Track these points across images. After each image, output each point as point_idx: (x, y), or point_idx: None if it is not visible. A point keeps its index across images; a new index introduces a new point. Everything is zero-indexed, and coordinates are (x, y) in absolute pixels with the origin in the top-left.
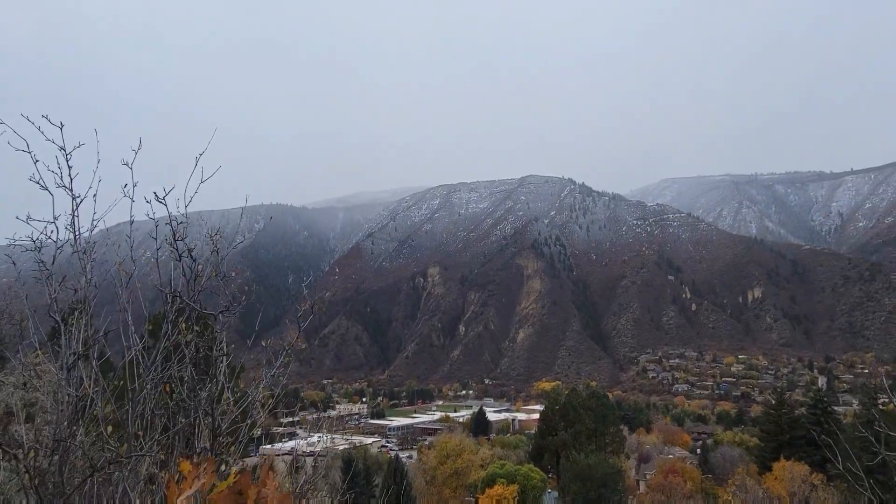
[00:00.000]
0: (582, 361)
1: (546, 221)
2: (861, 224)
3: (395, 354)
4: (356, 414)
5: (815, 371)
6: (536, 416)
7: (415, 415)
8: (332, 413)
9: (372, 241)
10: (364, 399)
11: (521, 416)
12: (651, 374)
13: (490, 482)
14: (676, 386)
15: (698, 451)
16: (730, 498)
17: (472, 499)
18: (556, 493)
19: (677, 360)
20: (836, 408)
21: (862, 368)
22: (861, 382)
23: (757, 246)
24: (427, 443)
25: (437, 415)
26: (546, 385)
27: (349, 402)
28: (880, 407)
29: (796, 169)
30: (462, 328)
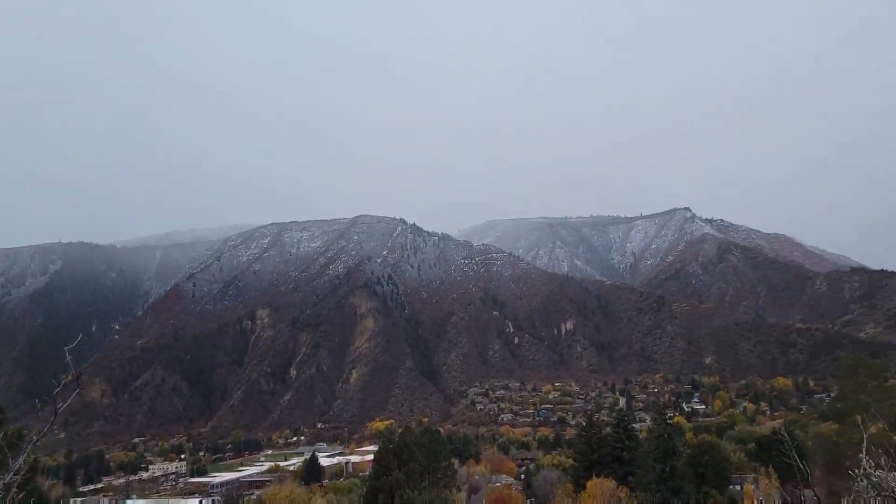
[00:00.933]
0: (415, 398)
1: (379, 261)
2: (649, 262)
3: (219, 404)
4: (173, 473)
5: (617, 393)
6: (370, 457)
7: (241, 468)
8: (145, 475)
9: (194, 282)
10: (183, 455)
11: (354, 458)
12: (479, 407)
13: None
14: (502, 416)
15: (522, 476)
16: None
17: None
18: None
19: (502, 391)
20: (634, 425)
21: (653, 388)
22: (652, 401)
23: (568, 282)
24: (255, 497)
25: (266, 465)
26: (380, 425)
27: (166, 460)
28: (668, 421)
29: (598, 213)
30: (293, 371)
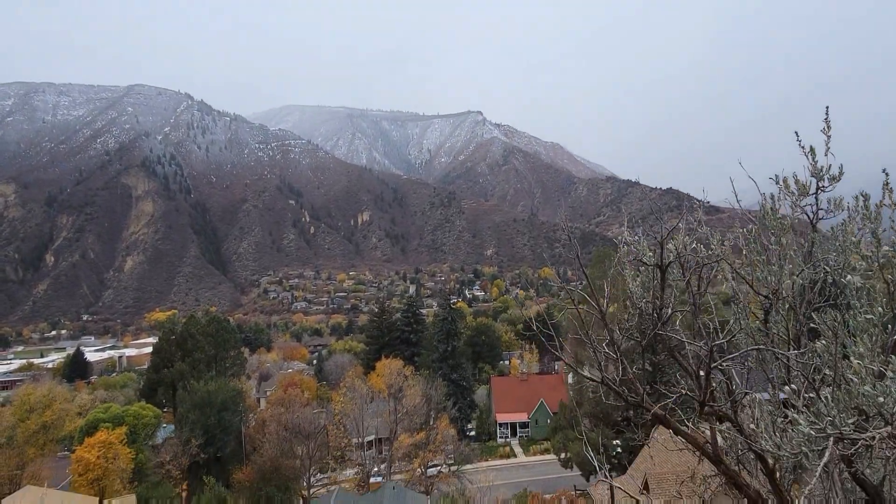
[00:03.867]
0: (201, 287)
1: (159, 138)
2: (443, 160)
3: None
4: None
5: (408, 281)
6: (149, 349)
7: None
8: None
9: None
10: None
11: (130, 352)
12: (272, 295)
13: (91, 430)
14: (295, 304)
15: (314, 362)
16: (340, 398)
17: (68, 452)
18: (172, 427)
19: (297, 280)
20: (422, 310)
21: (440, 277)
22: (439, 288)
23: (366, 174)
24: (0, 399)
25: (17, 363)
26: (161, 315)
27: None
28: (451, 307)
29: (398, 108)
30: (50, 258)
